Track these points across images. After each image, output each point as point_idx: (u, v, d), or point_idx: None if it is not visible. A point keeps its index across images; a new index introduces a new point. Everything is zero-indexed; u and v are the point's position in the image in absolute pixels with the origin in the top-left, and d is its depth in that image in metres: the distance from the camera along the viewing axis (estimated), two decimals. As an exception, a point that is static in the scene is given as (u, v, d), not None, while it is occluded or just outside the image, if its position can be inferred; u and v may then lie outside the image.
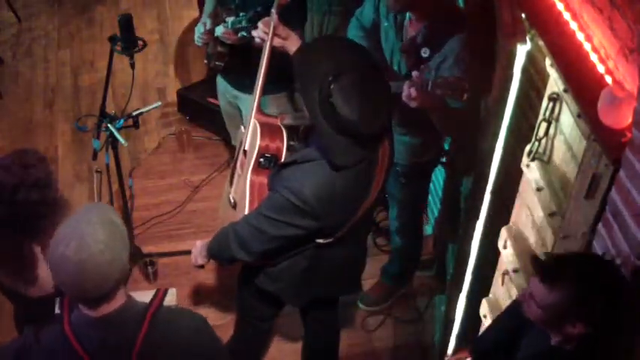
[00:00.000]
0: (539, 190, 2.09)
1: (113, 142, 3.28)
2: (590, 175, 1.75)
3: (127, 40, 3.17)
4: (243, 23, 2.98)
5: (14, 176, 2.14)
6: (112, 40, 3.19)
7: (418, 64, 2.56)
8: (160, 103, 3.61)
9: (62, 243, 1.60)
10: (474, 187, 2.84)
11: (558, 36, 1.87)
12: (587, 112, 1.70)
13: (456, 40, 2.55)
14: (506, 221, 2.39)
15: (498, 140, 2.45)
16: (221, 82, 3.47)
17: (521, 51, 2.20)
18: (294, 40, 2.59)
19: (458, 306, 2.97)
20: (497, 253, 2.42)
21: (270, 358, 3.37)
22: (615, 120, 1.62)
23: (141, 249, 3.75)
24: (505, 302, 2.37)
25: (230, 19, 3.02)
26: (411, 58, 2.66)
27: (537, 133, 2.08)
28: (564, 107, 1.96)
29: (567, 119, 1.95)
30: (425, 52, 2.62)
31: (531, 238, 2.23)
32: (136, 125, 3.30)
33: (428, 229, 3.82)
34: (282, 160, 2.58)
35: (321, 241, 2.42)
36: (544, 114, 2.03)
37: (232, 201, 2.81)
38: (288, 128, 2.64)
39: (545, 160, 2.12)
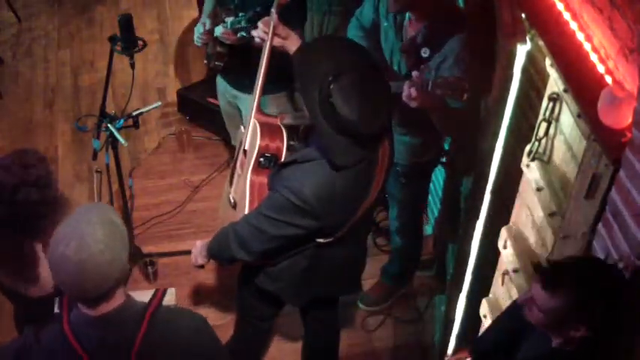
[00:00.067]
0: (539, 190, 2.09)
1: (113, 142, 3.28)
2: (590, 175, 1.75)
3: (127, 40, 3.17)
4: (243, 23, 2.98)
5: (14, 176, 2.13)
6: (112, 40, 3.19)
7: (418, 64, 2.56)
8: (159, 103, 3.61)
9: (62, 243, 1.60)
10: (474, 187, 2.84)
11: (558, 36, 1.87)
12: (587, 112, 1.70)
13: (456, 40, 2.55)
14: (506, 221, 2.39)
15: (498, 140, 2.45)
16: (221, 82, 3.47)
17: (521, 51, 2.20)
18: (294, 39, 2.59)
19: (458, 306, 2.97)
20: (497, 253, 2.42)
21: (270, 357, 3.37)
22: (615, 120, 1.62)
23: (141, 249, 3.75)
24: (505, 302, 2.37)
25: (229, 20, 3.02)
26: (410, 58, 2.66)
27: (537, 133, 2.08)
28: (564, 107, 1.96)
29: (567, 119, 1.95)
30: (425, 52, 2.62)
31: (531, 238, 2.23)
32: (136, 125, 3.30)
33: (428, 229, 3.82)
34: (282, 159, 2.58)
35: (321, 240, 2.42)
36: (544, 114, 2.03)
37: (232, 201, 2.81)
38: (288, 128, 2.64)
39: (545, 160, 2.12)
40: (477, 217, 2.68)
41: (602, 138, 1.66)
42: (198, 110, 4.52)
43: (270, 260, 2.52)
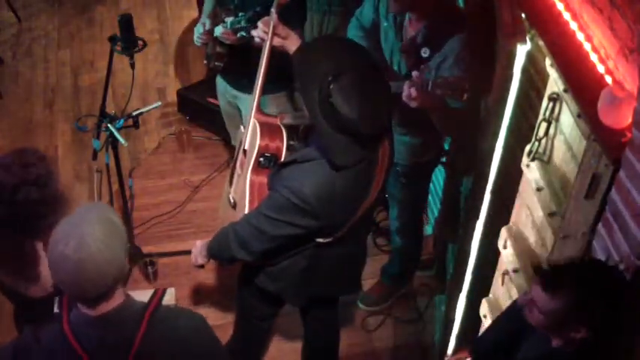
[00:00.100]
0: (539, 190, 2.09)
1: (113, 142, 3.28)
2: (590, 175, 1.75)
3: (127, 40, 3.17)
4: (243, 23, 2.97)
5: (14, 176, 2.13)
6: (112, 40, 3.19)
7: (418, 64, 2.56)
8: (159, 103, 3.60)
9: (61, 242, 1.60)
10: (474, 187, 2.83)
11: (558, 36, 1.87)
12: (587, 112, 1.70)
13: (456, 40, 2.55)
14: (506, 221, 2.39)
15: (498, 140, 2.45)
16: (221, 83, 3.47)
17: (521, 51, 2.20)
18: (293, 39, 2.59)
19: (458, 306, 2.97)
20: (497, 253, 2.41)
21: (270, 357, 3.37)
22: (615, 120, 1.61)
23: (141, 249, 3.75)
24: (505, 302, 2.37)
25: (229, 20, 3.02)
26: (410, 58, 2.66)
27: (537, 133, 2.08)
28: (564, 107, 1.95)
29: (567, 119, 1.95)
30: (425, 52, 2.62)
31: (531, 238, 2.23)
32: (136, 125, 3.30)
33: (428, 229, 3.82)
34: (282, 159, 2.58)
35: (320, 240, 2.42)
36: (544, 114, 2.03)
37: (232, 201, 2.81)
38: (288, 128, 2.64)
39: (545, 160, 2.12)
40: (477, 217, 2.68)
41: (602, 138, 1.66)
42: (198, 110, 4.52)
43: (270, 260, 2.52)
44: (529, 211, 2.20)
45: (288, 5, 2.71)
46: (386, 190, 3.20)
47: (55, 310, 2.16)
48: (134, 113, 3.29)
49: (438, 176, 3.66)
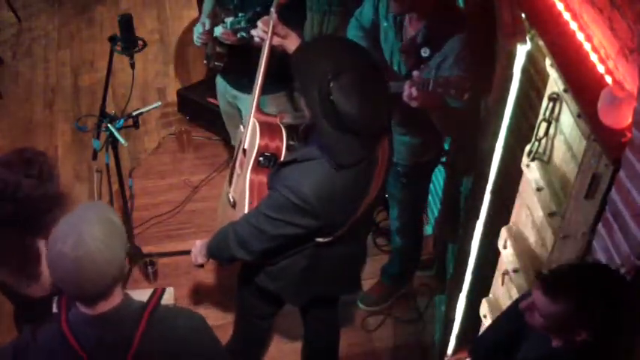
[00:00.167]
0: (539, 190, 2.09)
1: (113, 142, 3.28)
2: (590, 175, 1.75)
3: (127, 40, 3.17)
4: (242, 24, 2.97)
5: (16, 173, 2.13)
6: (112, 40, 3.19)
7: (418, 64, 2.56)
8: (159, 103, 3.60)
9: (60, 240, 1.60)
10: (474, 187, 2.83)
11: (558, 36, 1.87)
12: (587, 112, 1.70)
13: (456, 39, 2.55)
14: (506, 221, 2.39)
15: (498, 140, 2.45)
16: (220, 83, 3.47)
17: (521, 51, 2.20)
18: (293, 39, 2.59)
19: (458, 306, 2.96)
20: (497, 253, 2.41)
21: (270, 357, 3.37)
22: (615, 120, 1.61)
23: (141, 249, 3.75)
24: (505, 302, 2.37)
25: (229, 20, 3.02)
26: (411, 58, 2.66)
27: (537, 133, 2.08)
28: (564, 107, 1.95)
29: (567, 119, 1.95)
30: (425, 52, 2.62)
31: (531, 238, 2.23)
32: (136, 125, 3.30)
33: (428, 229, 3.82)
34: (282, 159, 2.58)
35: (320, 240, 2.42)
36: (544, 114, 2.03)
37: (232, 200, 2.81)
38: (288, 128, 2.63)
39: (545, 160, 2.12)
40: (477, 217, 2.68)
41: (602, 138, 1.66)
42: (198, 110, 4.52)
43: (270, 260, 2.52)
44: (529, 211, 2.20)
45: (288, 5, 2.70)
46: (386, 190, 3.20)
47: (54, 309, 2.16)
48: (134, 113, 3.28)
49: (438, 176, 3.66)
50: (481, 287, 2.71)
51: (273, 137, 2.62)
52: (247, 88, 2.98)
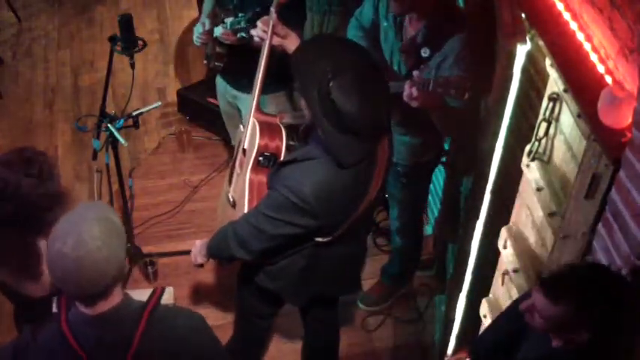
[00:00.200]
0: (539, 190, 2.09)
1: (113, 142, 3.28)
2: (590, 175, 1.75)
3: (127, 40, 3.17)
4: (242, 24, 2.97)
5: (17, 172, 2.13)
6: (112, 40, 3.19)
7: (418, 64, 2.56)
8: (159, 103, 3.60)
9: (59, 240, 1.60)
10: (474, 187, 2.83)
11: (558, 36, 1.87)
12: (587, 112, 1.70)
13: (456, 39, 2.55)
14: (506, 221, 2.39)
15: (498, 140, 2.45)
16: (220, 83, 3.46)
17: (521, 51, 2.20)
18: (293, 38, 2.59)
19: (458, 306, 2.96)
20: (497, 253, 2.41)
21: (270, 357, 3.37)
22: (615, 120, 1.61)
23: (141, 249, 3.75)
24: (505, 302, 2.37)
25: (229, 20, 3.02)
26: (410, 58, 2.66)
27: (537, 133, 2.08)
28: (564, 107, 1.95)
29: (567, 119, 1.95)
30: (425, 52, 2.62)
31: (531, 238, 2.23)
32: (136, 125, 3.30)
33: (428, 229, 3.82)
34: (281, 158, 2.58)
35: (319, 239, 2.42)
36: (544, 114, 2.03)
37: (231, 200, 2.81)
38: (288, 127, 2.63)
39: (545, 160, 2.12)
40: (477, 217, 2.68)
41: (602, 138, 1.66)
42: (198, 110, 4.52)
43: (270, 259, 2.52)
44: (529, 211, 2.20)
45: (288, 5, 2.70)
46: (386, 190, 3.20)
47: (54, 309, 2.16)
48: (134, 113, 3.28)
49: (438, 176, 3.66)
50: (481, 287, 2.71)
51: (273, 137, 2.62)
52: (247, 88, 2.98)
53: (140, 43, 3.20)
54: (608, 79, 1.70)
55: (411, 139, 2.93)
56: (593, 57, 1.77)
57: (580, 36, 1.83)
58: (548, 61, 1.92)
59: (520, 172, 2.21)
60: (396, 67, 2.74)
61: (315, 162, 2.24)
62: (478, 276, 2.81)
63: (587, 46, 1.80)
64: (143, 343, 1.70)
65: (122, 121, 3.24)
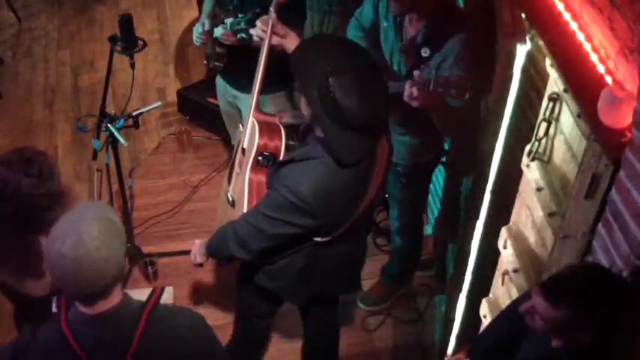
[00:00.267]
0: (539, 190, 2.09)
1: (113, 142, 3.28)
2: (590, 175, 1.75)
3: (127, 40, 3.17)
4: (242, 25, 2.97)
5: (17, 172, 2.14)
6: (112, 40, 3.19)
7: (418, 64, 2.56)
8: (159, 103, 3.60)
9: (58, 240, 1.60)
10: (474, 187, 2.83)
11: (558, 36, 1.87)
12: (587, 112, 1.70)
13: (456, 39, 2.55)
14: (506, 221, 2.39)
15: (498, 140, 2.45)
16: (220, 83, 3.47)
17: (521, 51, 2.20)
18: (292, 38, 2.59)
19: (458, 306, 2.96)
20: (497, 253, 2.41)
21: (270, 357, 3.37)
22: (615, 120, 1.61)
23: (141, 249, 3.75)
24: (505, 302, 2.37)
25: (229, 21, 3.02)
26: (410, 58, 2.66)
27: (537, 133, 2.08)
28: (564, 107, 1.95)
29: (567, 119, 1.95)
30: (425, 52, 2.62)
31: (531, 238, 2.23)
32: (136, 125, 3.30)
33: (428, 229, 3.82)
34: (281, 158, 2.58)
35: (318, 239, 2.42)
36: (544, 114, 2.03)
37: (231, 199, 2.81)
38: (287, 127, 2.63)
39: (545, 160, 2.12)
40: (477, 217, 2.68)
41: (602, 138, 1.66)
42: (198, 110, 4.52)
43: (269, 259, 2.52)
44: (529, 211, 2.20)
45: (287, 4, 2.70)
46: (386, 190, 3.20)
47: (54, 309, 2.16)
48: (134, 113, 3.28)
49: (438, 176, 3.66)
50: (481, 287, 2.71)
51: (272, 137, 2.62)
52: (247, 88, 2.97)
53: (140, 43, 3.20)
54: (608, 79, 1.70)
55: (411, 139, 2.93)
56: (593, 57, 1.77)
57: (580, 36, 1.83)
58: (548, 61, 1.92)
59: (520, 172, 2.21)
60: (396, 67, 2.74)
61: (314, 162, 2.24)
62: (478, 276, 2.81)
63: (587, 46, 1.80)
64: (142, 343, 1.70)
65: (122, 121, 3.24)
